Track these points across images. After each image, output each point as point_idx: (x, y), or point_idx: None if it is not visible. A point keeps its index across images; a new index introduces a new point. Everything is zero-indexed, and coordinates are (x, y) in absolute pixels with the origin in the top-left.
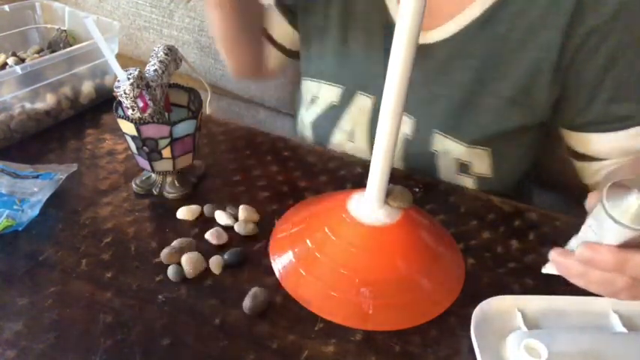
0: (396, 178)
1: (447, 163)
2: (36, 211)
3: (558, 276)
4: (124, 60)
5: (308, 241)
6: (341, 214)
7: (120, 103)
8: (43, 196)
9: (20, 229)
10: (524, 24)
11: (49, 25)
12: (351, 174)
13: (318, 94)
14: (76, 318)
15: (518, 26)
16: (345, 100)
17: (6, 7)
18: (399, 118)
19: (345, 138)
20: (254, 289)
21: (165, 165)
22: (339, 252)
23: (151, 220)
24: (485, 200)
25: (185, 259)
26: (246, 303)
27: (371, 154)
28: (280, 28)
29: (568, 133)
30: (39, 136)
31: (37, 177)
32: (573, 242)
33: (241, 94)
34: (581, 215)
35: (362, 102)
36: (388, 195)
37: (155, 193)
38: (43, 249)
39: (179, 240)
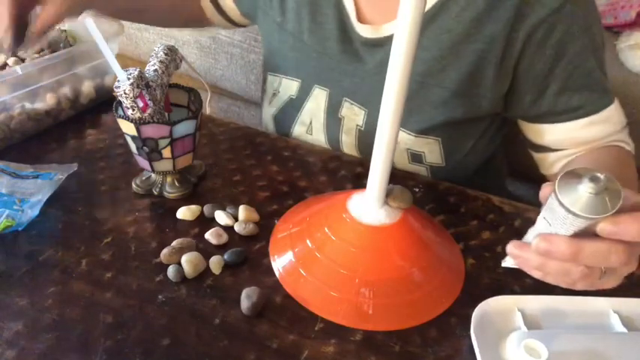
0: (396, 178)
1: (398, 152)
2: (36, 211)
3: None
4: (124, 60)
5: (308, 241)
6: (341, 214)
7: (120, 103)
8: (43, 196)
9: (20, 229)
10: (470, 17)
11: None
12: (351, 174)
13: (278, 89)
14: (76, 318)
15: (465, 19)
16: (303, 94)
17: None
18: (399, 118)
19: (304, 130)
20: (253, 289)
21: (165, 165)
22: (339, 252)
23: (151, 220)
24: (485, 200)
25: (185, 259)
26: (245, 303)
27: (328, 145)
28: (231, 10)
29: (524, 125)
30: (39, 136)
31: (37, 177)
32: (530, 234)
33: (241, 94)
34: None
35: (318, 95)
36: (388, 195)
37: (155, 193)
38: (43, 249)
39: (179, 240)
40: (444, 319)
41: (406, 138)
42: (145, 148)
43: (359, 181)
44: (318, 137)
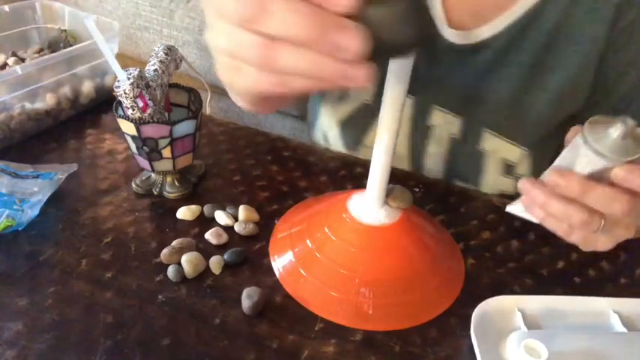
0: (396, 178)
1: (494, 163)
2: (36, 211)
3: (559, 275)
4: (124, 60)
5: (308, 241)
6: (341, 214)
7: (120, 103)
8: (43, 196)
9: (20, 229)
10: (573, 17)
11: (49, 25)
12: (351, 174)
13: (347, 92)
14: (76, 318)
15: (567, 20)
16: (380, 99)
17: (6, 7)
18: (400, 118)
19: None
20: (253, 289)
21: (165, 165)
22: (339, 252)
23: (151, 220)
24: (485, 200)
25: (185, 259)
26: (246, 303)
27: (410, 156)
28: None
29: None
30: (39, 136)
31: (37, 177)
32: (547, 174)
33: None
34: None
35: None
36: (388, 195)
37: (155, 193)
38: (43, 249)
39: (179, 240)
40: (444, 319)
41: (506, 147)
42: (145, 148)
43: (359, 181)
44: (398, 149)
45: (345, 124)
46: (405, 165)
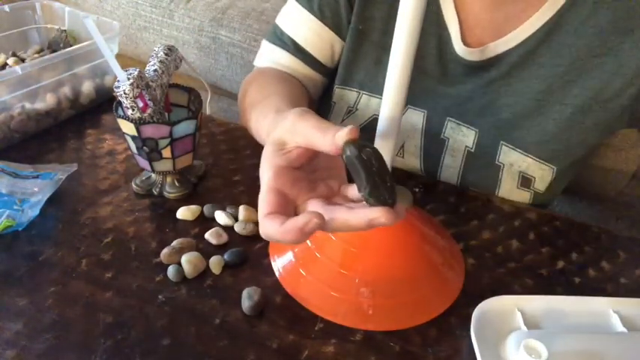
0: (396, 178)
1: (511, 175)
2: (36, 211)
3: (559, 275)
4: (124, 60)
5: (308, 241)
6: None
7: (120, 103)
8: (43, 196)
9: (20, 229)
10: (593, 29)
11: (49, 25)
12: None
13: (356, 106)
14: (76, 318)
15: (587, 32)
16: None
17: (6, 7)
18: (399, 118)
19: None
20: (253, 289)
21: (165, 165)
22: (339, 252)
23: (151, 220)
24: (485, 200)
25: (185, 259)
26: (246, 303)
27: (423, 168)
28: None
29: None
30: (39, 136)
31: (37, 177)
32: None
33: None
34: (581, 215)
35: (412, 116)
36: None
37: (155, 193)
38: (43, 249)
39: (179, 240)
40: (444, 319)
41: (524, 160)
42: (145, 148)
43: None
44: (410, 161)
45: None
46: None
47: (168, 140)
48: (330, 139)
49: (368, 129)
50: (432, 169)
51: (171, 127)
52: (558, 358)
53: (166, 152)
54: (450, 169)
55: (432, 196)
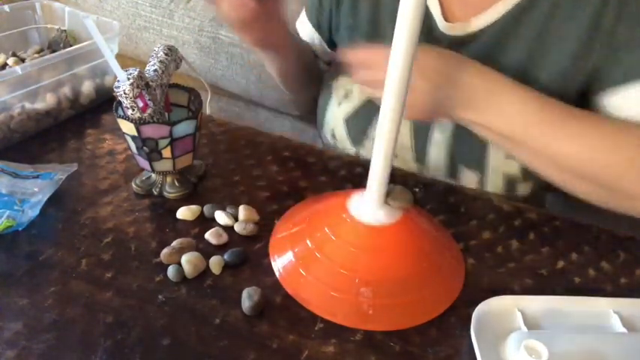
0: (396, 178)
1: (498, 145)
2: (36, 212)
3: (559, 275)
4: (124, 60)
5: (308, 241)
6: (341, 214)
7: (120, 103)
8: (43, 196)
9: (20, 229)
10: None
11: (49, 25)
12: (351, 174)
13: (352, 88)
14: (76, 318)
15: (563, 2)
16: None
17: (6, 7)
18: (400, 117)
19: None
20: (253, 289)
21: (165, 165)
22: (339, 252)
23: (151, 220)
24: (486, 200)
25: (185, 259)
26: (246, 303)
27: (414, 146)
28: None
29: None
30: (39, 136)
31: (37, 177)
32: None
33: (241, 94)
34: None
35: None
36: (388, 195)
37: (155, 193)
38: (43, 249)
39: (179, 240)
40: (444, 319)
41: None
42: (144, 148)
43: (359, 181)
44: (401, 140)
45: (351, 119)
46: (409, 155)
47: (168, 140)
48: None
49: (363, 112)
50: (422, 145)
51: (171, 127)
52: (558, 359)
53: (166, 152)
54: (439, 144)
55: (432, 196)
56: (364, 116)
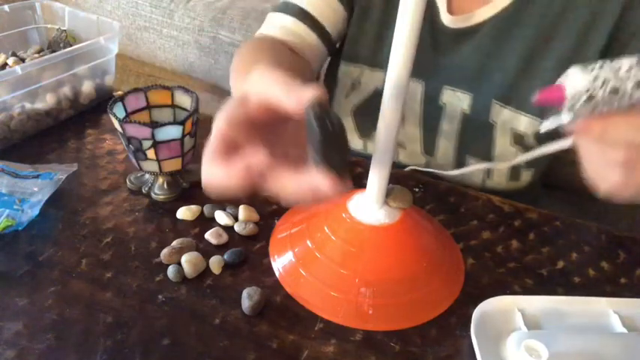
0: (396, 178)
1: (504, 134)
2: (36, 211)
3: (559, 275)
4: (124, 60)
5: (308, 241)
6: (341, 214)
7: (115, 101)
8: (43, 196)
9: (20, 229)
10: None
11: (49, 25)
12: (350, 174)
13: (359, 80)
14: (76, 318)
15: None
16: None
17: (6, 7)
18: (399, 117)
19: None
20: (253, 289)
21: (150, 165)
22: (339, 252)
23: (151, 220)
24: (486, 200)
25: (185, 259)
26: (246, 303)
27: (423, 137)
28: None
29: None
30: (39, 136)
31: (37, 177)
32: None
33: None
34: (581, 216)
35: (411, 87)
36: (388, 195)
37: (144, 192)
38: (43, 249)
39: (179, 240)
40: (444, 319)
41: (515, 117)
42: (130, 146)
43: (359, 181)
44: (410, 130)
45: (359, 112)
46: (417, 146)
47: (151, 142)
48: (294, 95)
49: (372, 104)
50: (430, 136)
51: (152, 130)
52: (558, 358)
53: (150, 153)
54: (447, 134)
55: (432, 196)
56: (373, 108)
